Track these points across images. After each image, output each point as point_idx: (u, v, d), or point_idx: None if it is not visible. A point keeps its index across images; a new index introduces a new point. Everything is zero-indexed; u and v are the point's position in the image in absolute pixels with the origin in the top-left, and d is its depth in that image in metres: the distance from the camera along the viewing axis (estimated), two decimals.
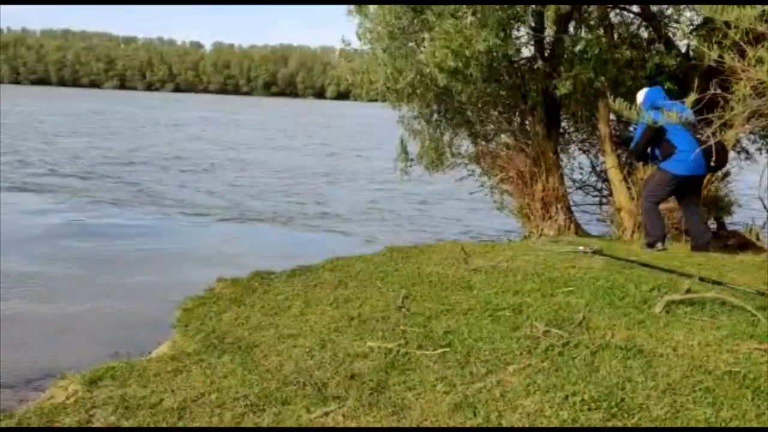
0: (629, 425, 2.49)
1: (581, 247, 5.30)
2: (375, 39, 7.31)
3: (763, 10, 3.75)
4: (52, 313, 5.65)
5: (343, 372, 3.03)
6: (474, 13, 6.35)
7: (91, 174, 14.74)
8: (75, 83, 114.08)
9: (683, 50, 7.25)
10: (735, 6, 3.66)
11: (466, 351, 3.20)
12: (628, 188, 7.20)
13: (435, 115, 8.19)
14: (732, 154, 7.33)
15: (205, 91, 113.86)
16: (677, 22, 7.32)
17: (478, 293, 4.15)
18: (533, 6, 6.88)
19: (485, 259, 5.10)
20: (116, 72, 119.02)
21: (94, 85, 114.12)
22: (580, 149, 8.73)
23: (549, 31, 7.44)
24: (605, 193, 8.40)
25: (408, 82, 7.09)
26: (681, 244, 6.37)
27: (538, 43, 7.62)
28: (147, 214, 10.65)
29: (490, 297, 4.02)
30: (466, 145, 8.46)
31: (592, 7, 7.24)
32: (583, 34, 7.24)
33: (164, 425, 2.65)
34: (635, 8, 7.57)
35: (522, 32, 7.44)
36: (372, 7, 7.33)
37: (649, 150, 6.00)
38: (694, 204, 6.06)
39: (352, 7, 7.57)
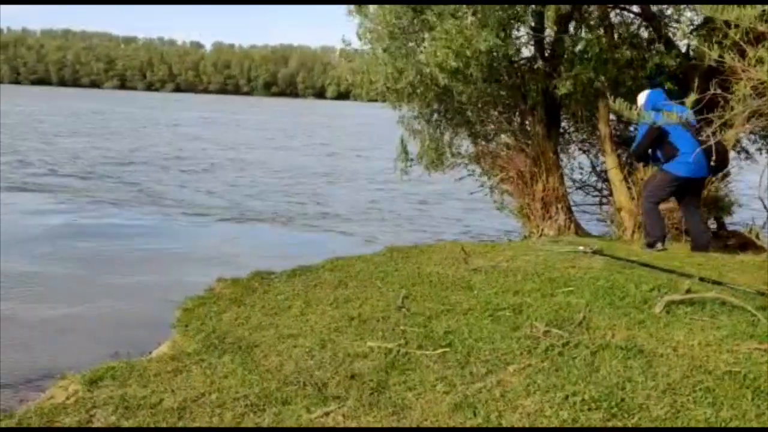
0: (629, 425, 2.49)
1: (581, 247, 5.30)
2: (375, 39, 7.31)
3: (764, 10, 3.74)
4: (52, 313, 5.65)
5: (343, 372, 3.03)
6: (474, 13, 6.36)
7: (91, 174, 14.75)
8: (75, 83, 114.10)
9: (683, 50, 7.26)
10: (735, 6, 3.66)
11: (466, 351, 3.20)
12: (629, 188, 7.20)
13: (435, 115, 8.19)
14: (732, 154, 7.33)
15: (206, 91, 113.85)
16: (677, 22, 7.33)
17: (478, 293, 4.14)
18: (533, 6, 6.89)
19: (485, 259, 5.09)
20: (116, 72, 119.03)
21: (95, 85, 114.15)
22: (580, 149, 8.74)
23: (549, 31, 7.46)
24: (605, 193, 8.40)
25: (408, 82, 7.09)
26: (681, 244, 6.37)
27: (539, 43, 7.62)
28: (147, 214, 10.65)
29: (490, 297, 4.02)
30: (466, 145, 8.46)
31: (592, 7, 7.24)
32: (583, 34, 7.25)
33: (164, 425, 2.65)
34: (635, 8, 7.58)
35: (522, 32, 7.45)
36: (372, 7, 7.33)
37: (650, 151, 6.02)
38: (694, 204, 6.06)
39: (352, 7, 7.57)
